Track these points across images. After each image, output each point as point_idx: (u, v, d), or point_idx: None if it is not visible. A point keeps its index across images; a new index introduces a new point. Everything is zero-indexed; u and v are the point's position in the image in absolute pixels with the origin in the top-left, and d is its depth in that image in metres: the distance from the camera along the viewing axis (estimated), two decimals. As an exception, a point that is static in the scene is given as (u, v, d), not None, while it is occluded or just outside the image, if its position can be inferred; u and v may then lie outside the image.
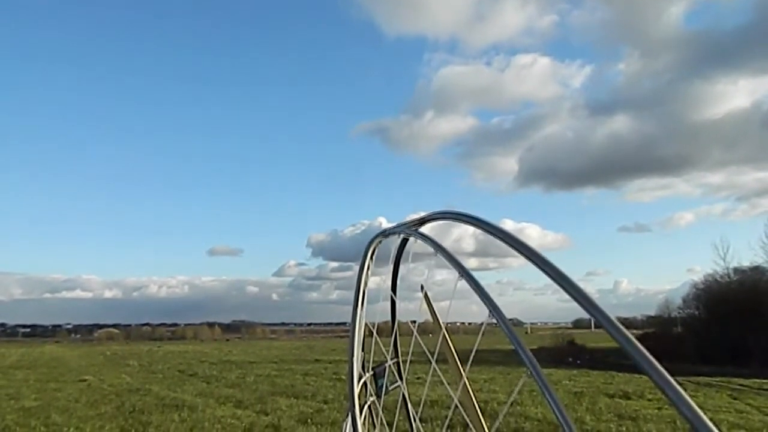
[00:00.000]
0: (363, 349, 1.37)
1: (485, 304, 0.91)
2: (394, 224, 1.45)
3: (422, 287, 1.51)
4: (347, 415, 1.27)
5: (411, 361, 1.67)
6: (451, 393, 1.37)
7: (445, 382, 1.42)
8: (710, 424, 0.66)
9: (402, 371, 1.65)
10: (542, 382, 0.78)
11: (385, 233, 1.45)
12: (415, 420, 1.65)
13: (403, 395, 1.67)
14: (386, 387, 1.62)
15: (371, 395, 1.56)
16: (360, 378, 1.27)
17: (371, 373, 1.57)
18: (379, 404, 1.57)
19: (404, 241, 1.50)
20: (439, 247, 1.10)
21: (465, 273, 0.98)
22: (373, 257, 1.47)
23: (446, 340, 1.49)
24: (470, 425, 1.37)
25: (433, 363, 1.32)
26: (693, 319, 34.13)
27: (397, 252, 1.56)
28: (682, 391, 0.66)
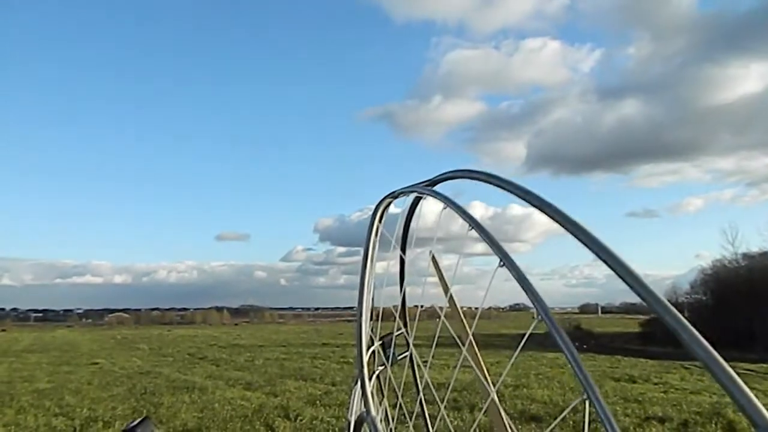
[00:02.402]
0: (371, 318, 1.39)
1: (495, 252, 0.92)
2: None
3: (431, 252, 1.52)
4: (355, 382, 1.30)
5: (418, 345, 1.70)
6: (459, 343, 1.40)
7: (453, 334, 1.45)
8: (761, 406, 0.65)
9: (410, 340, 1.67)
10: (552, 325, 0.79)
11: (394, 194, 1.45)
12: (423, 392, 1.68)
13: (412, 364, 1.69)
14: (394, 355, 1.64)
15: (380, 364, 1.59)
16: (369, 347, 1.29)
17: (380, 342, 1.58)
18: (388, 372, 1.59)
19: (416, 201, 1.49)
20: (450, 202, 1.10)
21: (475, 224, 0.99)
22: (382, 220, 1.47)
23: (454, 303, 1.51)
24: (477, 374, 1.39)
25: (442, 316, 1.34)
26: (700, 305, 34.06)
27: (409, 211, 1.55)
28: (734, 373, 0.66)
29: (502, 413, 1.37)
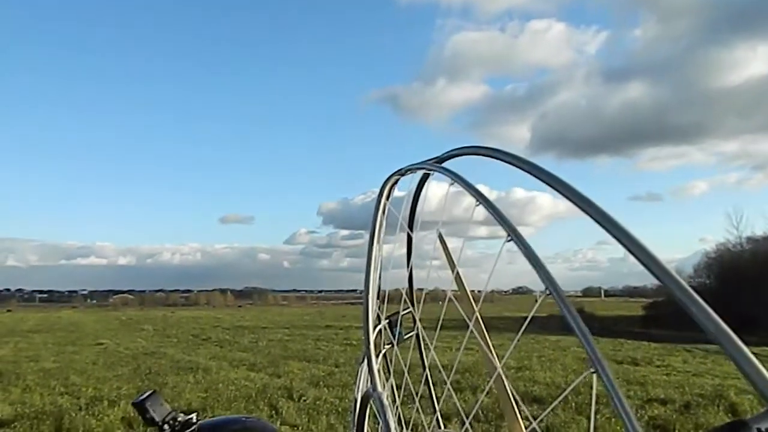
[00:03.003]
0: (378, 297, 1.36)
1: (503, 227, 0.88)
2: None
3: (438, 232, 1.48)
4: (362, 360, 1.27)
5: (423, 328, 1.68)
6: (465, 317, 1.37)
7: (460, 309, 1.42)
8: None
9: (417, 317, 1.64)
10: (560, 298, 0.75)
11: (401, 171, 1.40)
12: (428, 369, 1.66)
13: (418, 344, 1.67)
14: (401, 334, 1.62)
15: (386, 344, 1.57)
16: (375, 325, 1.26)
17: (386, 321, 1.56)
18: (394, 351, 1.58)
19: (424, 178, 1.45)
20: (458, 178, 1.06)
21: (483, 199, 0.95)
22: (390, 197, 1.43)
23: (460, 281, 1.48)
24: (483, 347, 1.37)
25: (449, 292, 1.32)
26: (703, 288, 34.07)
27: (417, 187, 1.51)
28: (745, 348, 0.62)
29: (508, 388, 1.35)
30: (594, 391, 0.70)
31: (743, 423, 0.56)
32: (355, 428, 1.20)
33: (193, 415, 1.25)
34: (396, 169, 1.40)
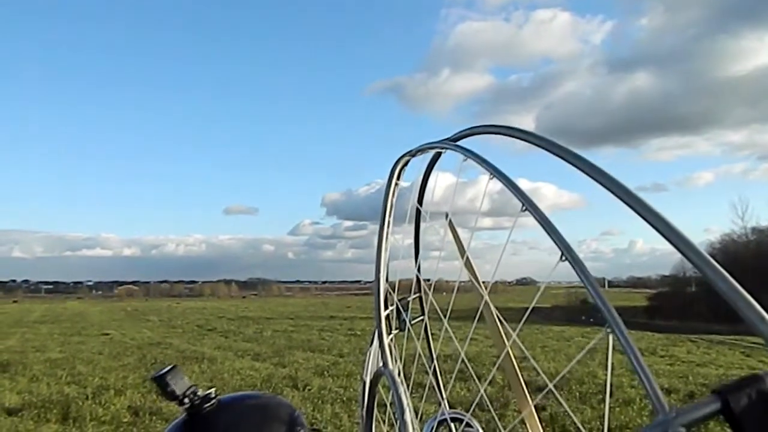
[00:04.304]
0: (386, 280, 1.35)
1: (518, 197, 0.87)
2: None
3: (448, 219, 1.46)
4: (371, 342, 1.27)
5: (431, 318, 1.67)
6: (477, 287, 1.37)
7: (472, 278, 1.42)
8: None
9: (425, 305, 1.64)
10: (574, 261, 0.74)
11: (412, 152, 1.38)
12: (435, 358, 1.66)
13: (426, 329, 1.67)
14: (409, 320, 1.61)
15: (395, 329, 1.56)
16: (385, 307, 1.26)
17: (394, 306, 1.55)
18: (403, 337, 1.57)
19: (435, 158, 1.43)
20: (471, 154, 1.05)
21: (497, 173, 0.94)
22: (401, 177, 1.42)
23: (471, 266, 1.47)
24: (493, 325, 1.37)
25: (459, 274, 1.31)
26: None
27: (428, 165, 1.48)
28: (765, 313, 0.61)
29: (516, 366, 1.34)
30: (610, 350, 0.70)
31: (760, 377, 0.57)
32: (364, 410, 1.20)
33: (212, 390, 1.25)
34: (407, 150, 1.38)
